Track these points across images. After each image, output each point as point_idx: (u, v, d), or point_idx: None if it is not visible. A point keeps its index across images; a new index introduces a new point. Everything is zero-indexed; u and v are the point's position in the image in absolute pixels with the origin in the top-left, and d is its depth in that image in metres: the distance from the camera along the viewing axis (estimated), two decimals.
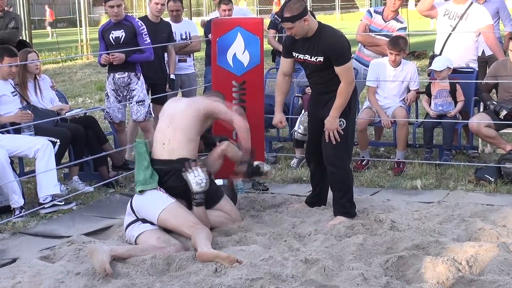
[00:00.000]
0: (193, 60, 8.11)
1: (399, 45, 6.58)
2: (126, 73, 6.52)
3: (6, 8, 8.03)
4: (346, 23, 29.42)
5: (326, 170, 5.01)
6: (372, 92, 6.79)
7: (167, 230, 4.56)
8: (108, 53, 6.44)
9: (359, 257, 4.09)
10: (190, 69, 7.89)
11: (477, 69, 6.97)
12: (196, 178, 4.58)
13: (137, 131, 7.25)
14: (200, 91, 8.77)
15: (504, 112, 6.19)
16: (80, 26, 20.59)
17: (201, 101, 4.94)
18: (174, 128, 4.74)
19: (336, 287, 3.67)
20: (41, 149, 5.56)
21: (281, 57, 5.16)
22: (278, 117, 5.20)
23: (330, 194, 5.15)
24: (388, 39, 6.84)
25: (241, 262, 3.96)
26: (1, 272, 4.19)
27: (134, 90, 6.55)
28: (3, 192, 5.46)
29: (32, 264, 4.25)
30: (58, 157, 5.83)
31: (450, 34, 6.88)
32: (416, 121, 6.96)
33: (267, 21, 8.28)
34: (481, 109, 6.71)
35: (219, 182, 5.45)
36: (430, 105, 6.69)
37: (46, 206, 5.53)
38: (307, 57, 4.81)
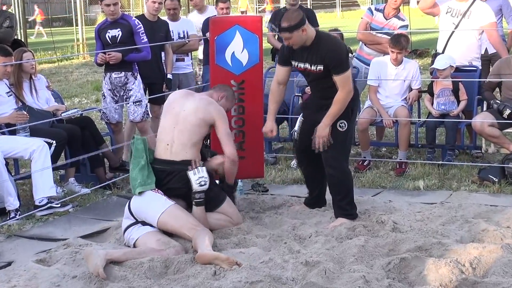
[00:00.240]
0: (191, 59, 8.12)
1: (400, 43, 6.59)
2: (123, 73, 6.52)
3: (0, 7, 8.04)
4: (347, 21, 29.44)
5: (320, 169, 5.02)
6: (374, 91, 6.79)
7: (167, 233, 4.56)
8: (104, 53, 6.44)
9: (360, 259, 4.09)
10: (188, 68, 7.89)
11: (480, 67, 6.97)
12: (198, 178, 4.62)
13: (134, 132, 7.25)
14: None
15: (508, 111, 6.19)
16: (76, 25, 20.61)
17: (213, 108, 4.87)
18: (180, 130, 4.74)
19: None
20: (37, 151, 5.56)
21: (277, 65, 5.14)
22: (270, 125, 5.16)
23: (330, 195, 5.15)
24: (389, 37, 6.85)
25: (240, 265, 3.97)
26: None
27: (131, 90, 6.55)
28: None
29: (27, 267, 4.25)
30: (54, 158, 5.83)
31: (453, 32, 6.89)
32: (418, 120, 6.97)
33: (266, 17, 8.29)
34: (485, 108, 6.71)
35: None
36: (432, 104, 6.69)
37: (42, 208, 5.53)
38: (307, 65, 4.82)
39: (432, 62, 6.97)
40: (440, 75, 6.62)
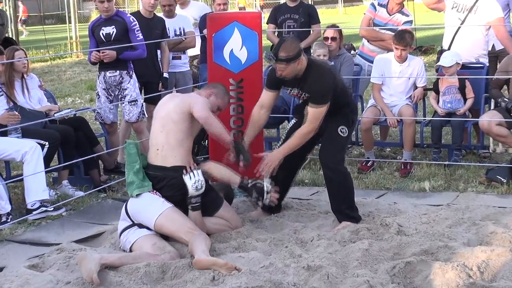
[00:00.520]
0: (188, 57, 8.10)
1: (405, 40, 6.58)
2: (118, 72, 6.52)
3: None
4: (349, 17, 29.45)
5: (290, 176, 5.21)
6: (377, 90, 6.79)
7: (164, 236, 4.57)
8: (98, 51, 6.44)
9: (364, 264, 4.09)
10: (185, 66, 7.88)
11: (487, 64, 6.97)
12: (195, 181, 4.62)
13: (130, 132, 7.25)
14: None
15: None
16: (69, 22, 20.58)
17: (189, 100, 4.85)
18: (166, 133, 4.74)
19: None
20: (29, 152, 5.56)
21: (264, 88, 5.11)
22: (233, 157, 5.01)
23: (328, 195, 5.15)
24: (393, 33, 6.85)
25: (240, 270, 3.96)
26: None
27: (126, 89, 6.55)
28: None
29: (19, 273, 4.24)
30: (47, 160, 5.82)
31: (459, 27, 6.89)
32: (424, 119, 6.96)
33: (266, 14, 8.29)
34: (492, 107, 6.71)
35: None
36: (438, 102, 6.69)
37: (34, 212, 5.53)
38: (299, 91, 4.91)
39: (438, 59, 6.98)
40: (446, 73, 6.62)
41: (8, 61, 6.06)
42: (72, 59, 18.22)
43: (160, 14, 7.63)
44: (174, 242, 4.53)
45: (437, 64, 6.89)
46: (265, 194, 4.85)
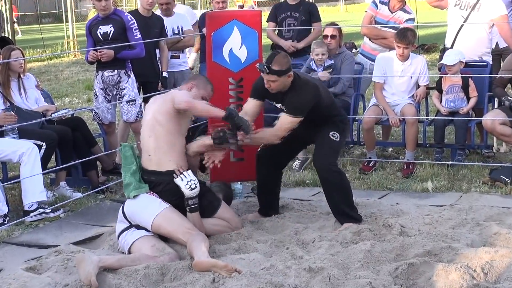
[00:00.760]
0: (186, 56, 8.11)
1: (407, 38, 6.59)
2: (116, 71, 6.53)
3: None
4: (351, 15, 29.45)
5: (277, 175, 5.23)
6: (379, 89, 6.80)
7: (163, 238, 4.57)
8: (96, 50, 6.44)
9: (366, 265, 4.09)
10: (184, 65, 7.89)
11: (491, 62, 6.97)
12: (187, 182, 4.61)
13: (128, 133, 7.25)
14: None
15: None
16: (67, 21, 20.60)
17: (170, 97, 4.79)
18: (155, 137, 4.72)
19: None
20: (26, 153, 5.57)
21: (250, 97, 5.09)
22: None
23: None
24: (395, 32, 6.85)
25: (240, 272, 3.97)
26: None
27: (124, 89, 6.55)
28: None
29: (17, 275, 4.24)
30: (44, 161, 5.83)
31: (462, 25, 6.89)
32: (426, 119, 6.97)
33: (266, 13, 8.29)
34: (496, 105, 6.71)
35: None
36: (441, 101, 6.69)
37: (31, 214, 5.53)
38: (281, 105, 4.94)
39: (441, 58, 6.98)
40: (449, 71, 6.62)
41: (5, 61, 6.07)
42: (69, 58, 18.24)
43: (158, 12, 7.64)
44: (174, 243, 4.54)
45: (440, 62, 6.89)
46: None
